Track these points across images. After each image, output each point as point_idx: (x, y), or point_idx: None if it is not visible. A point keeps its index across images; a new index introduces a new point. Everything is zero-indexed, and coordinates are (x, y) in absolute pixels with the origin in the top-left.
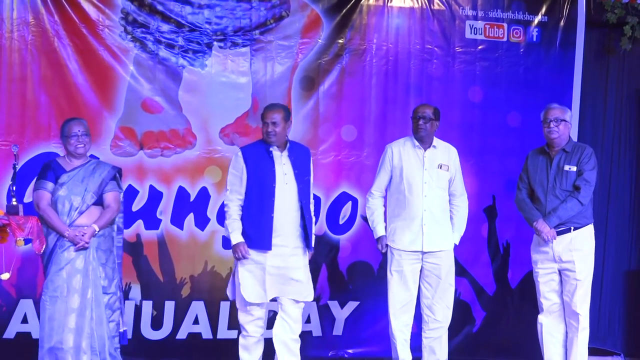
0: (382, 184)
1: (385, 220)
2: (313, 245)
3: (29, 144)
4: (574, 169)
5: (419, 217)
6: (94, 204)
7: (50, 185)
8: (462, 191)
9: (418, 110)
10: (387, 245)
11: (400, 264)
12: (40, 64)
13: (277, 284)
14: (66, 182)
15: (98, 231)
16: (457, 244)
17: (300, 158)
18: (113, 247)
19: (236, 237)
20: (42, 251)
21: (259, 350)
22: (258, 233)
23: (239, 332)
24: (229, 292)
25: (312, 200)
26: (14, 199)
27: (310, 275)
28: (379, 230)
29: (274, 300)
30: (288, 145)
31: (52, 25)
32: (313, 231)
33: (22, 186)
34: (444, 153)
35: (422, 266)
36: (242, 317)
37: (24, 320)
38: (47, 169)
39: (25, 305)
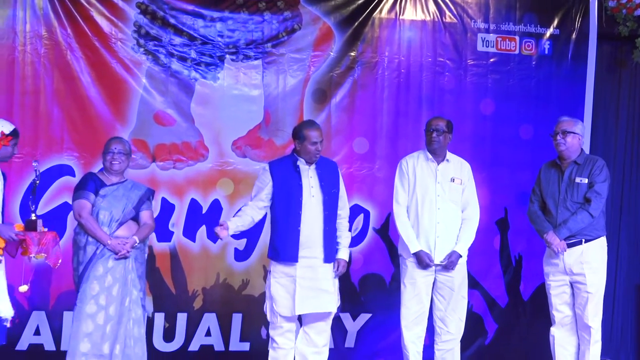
0: (405, 194)
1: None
2: (342, 256)
3: (42, 157)
4: (585, 181)
5: (432, 230)
6: (132, 218)
7: (92, 196)
8: (473, 204)
9: (431, 123)
10: (430, 258)
11: (414, 276)
12: (53, 77)
13: (308, 297)
14: (107, 195)
15: (137, 243)
16: (462, 255)
17: (327, 171)
18: (145, 261)
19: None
20: (57, 266)
21: None
22: (285, 246)
23: (251, 345)
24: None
25: (344, 212)
26: (33, 214)
27: (337, 286)
28: (417, 245)
29: None
30: (316, 159)
31: (65, 39)
32: (344, 243)
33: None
34: (457, 167)
35: (435, 278)
36: (272, 329)
37: (37, 332)
38: (88, 180)
39: (38, 317)
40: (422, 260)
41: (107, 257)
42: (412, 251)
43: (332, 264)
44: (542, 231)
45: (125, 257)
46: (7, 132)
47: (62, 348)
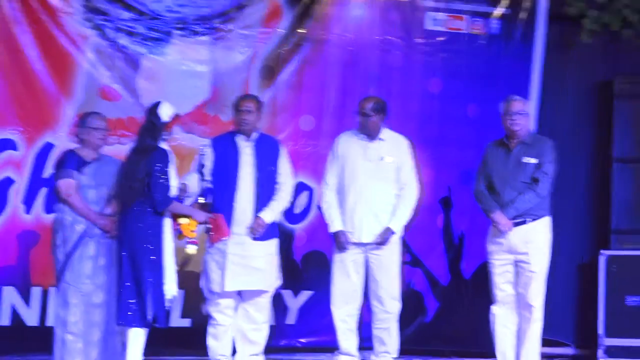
0: (336, 174)
1: None
2: (261, 215)
3: None
4: (533, 161)
5: (358, 209)
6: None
7: (75, 174)
8: (411, 182)
9: (358, 106)
10: (345, 240)
11: (342, 254)
12: None
13: (238, 275)
14: (91, 173)
15: None
16: (396, 232)
17: (265, 148)
18: None
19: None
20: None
21: (228, 338)
22: None
23: (193, 321)
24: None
25: (282, 180)
26: (201, 198)
27: (276, 264)
28: (337, 225)
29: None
30: (256, 136)
31: (11, 11)
32: (270, 205)
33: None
34: (392, 144)
35: (366, 257)
36: (209, 306)
37: None
38: (69, 157)
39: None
40: (337, 241)
41: (98, 237)
42: (330, 231)
43: (266, 241)
44: (489, 210)
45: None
46: (173, 114)
47: (1, 323)
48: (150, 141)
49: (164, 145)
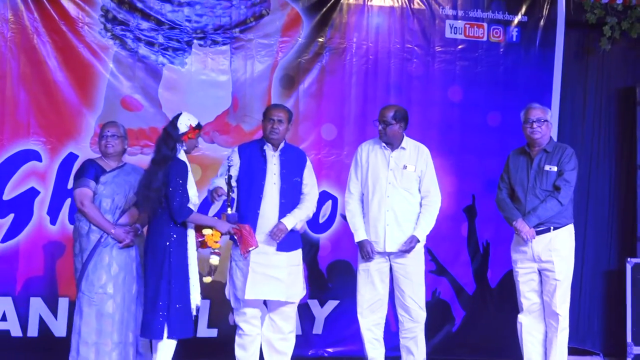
0: (358, 183)
1: None
2: (283, 220)
3: (8, 142)
4: (555, 169)
5: (382, 218)
6: (134, 204)
7: (92, 183)
8: (433, 190)
9: (379, 114)
10: (371, 250)
11: (367, 263)
12: (19, 61)
13: (259, 284)
14: (108, 182)
15: (140, 231)
16: (421, 241)
17: (291, 159)
18: None
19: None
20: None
21: (255, 348)
22: None
23: (219, 331)
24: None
25: (307, 191)
26: (229, 208)
27: (300, 275)
28: (361, 234)
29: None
30: (282, 146)
31: (32, 23)
32: (294, 212)
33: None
34: (413, 153)
35: (390, 266)
36: (236, 316)
37: (3, 318)
38: (87, 167)
39: (4, 303)
40: (362, 250)
41: (112, 246)
42: (356, 240)
43: (289, 252)
44: (510, 219)
45: (129, 246)
46: (194, 125)
47: (29, 334)
48: (166, 152)
49: (182, 155)
